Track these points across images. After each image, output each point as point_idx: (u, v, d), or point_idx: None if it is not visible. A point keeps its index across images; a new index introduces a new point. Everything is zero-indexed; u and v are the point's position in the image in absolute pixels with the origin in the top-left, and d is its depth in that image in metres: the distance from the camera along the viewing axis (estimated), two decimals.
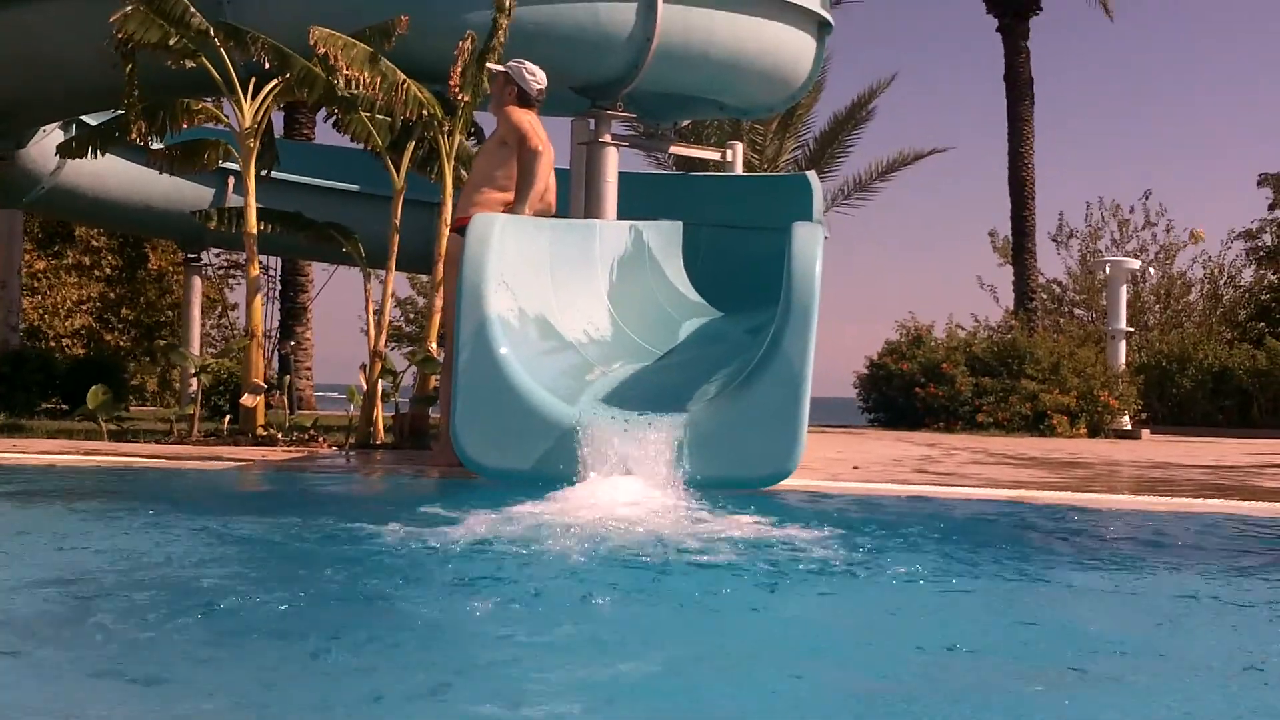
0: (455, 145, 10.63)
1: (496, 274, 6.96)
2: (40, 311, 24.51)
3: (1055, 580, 4.69)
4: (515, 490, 6.03)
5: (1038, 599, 4.46)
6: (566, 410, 6.62)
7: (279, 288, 23.77)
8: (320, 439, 10.32)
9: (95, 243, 25.06)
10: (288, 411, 12.41)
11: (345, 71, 9.98)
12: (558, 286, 8.06)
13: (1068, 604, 4.34)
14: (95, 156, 11.71)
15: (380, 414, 10.67)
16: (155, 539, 5.17)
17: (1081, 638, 3.73)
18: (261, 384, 10.60)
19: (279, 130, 24.70)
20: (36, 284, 24.63)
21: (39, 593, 4.02)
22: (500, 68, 8.49)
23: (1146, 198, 29.79)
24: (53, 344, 23.93)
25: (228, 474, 8.07)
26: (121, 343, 25.80)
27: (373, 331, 10.83)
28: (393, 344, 30.26)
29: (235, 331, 29.50)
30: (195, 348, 16.51)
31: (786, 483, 6.78)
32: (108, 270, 25.44)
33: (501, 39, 10.12)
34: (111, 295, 25.77)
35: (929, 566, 4.74)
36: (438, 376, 9.51)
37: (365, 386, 10.54)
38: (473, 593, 4.12)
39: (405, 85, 10.17)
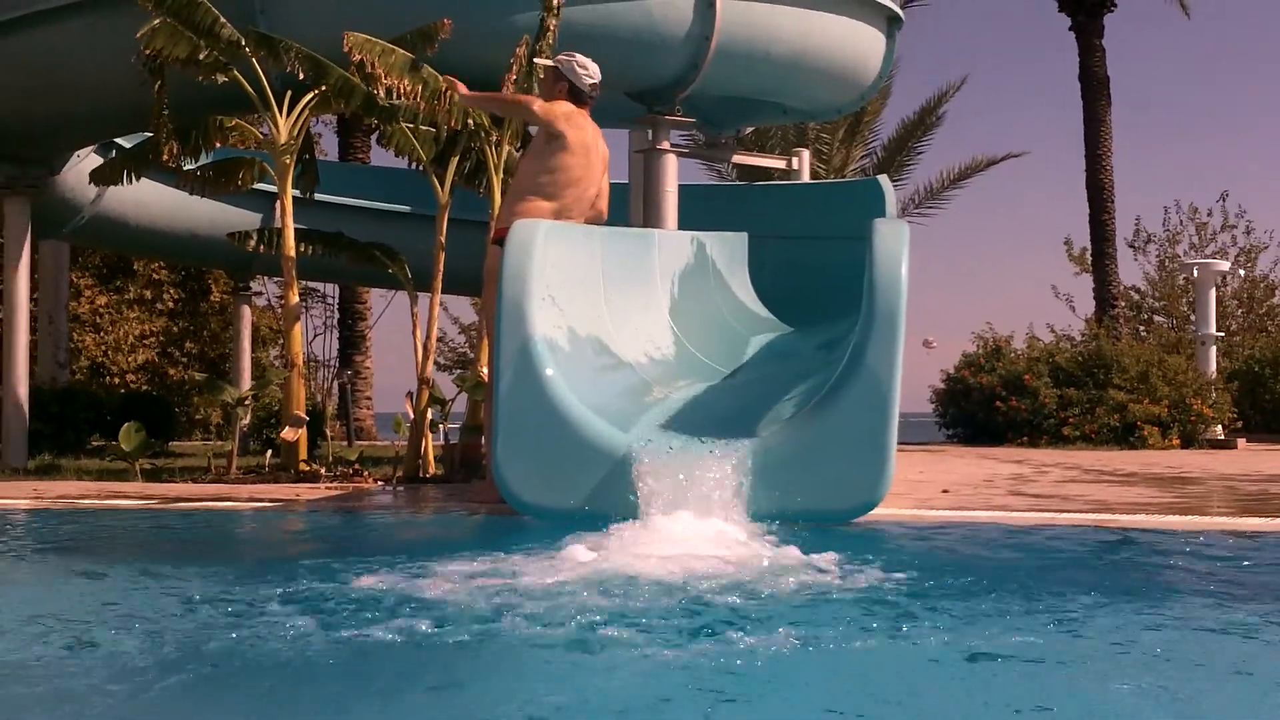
0: (504, 157, 9.97)
1: (540, 288, 6.23)
2: (103, 348, 24.04)
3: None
4: (563, 529, 5.29)
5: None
6: (620, 438, 5.88)
7: (337, 315, 23.21)
8: (366, 474, 9.63)
9: (157, 276, 24.58)
10: (347, 443, 11.78)
11: (384, 80, 9.36)
12: (611, 301, 7.32)
13: None
14: (129, 181, 11.16)
15: (430, 445, 10.00)
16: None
17: None
18: (303, 416, 9.95)
19: (333, 154, 24.25)
20: (99, 320, 24.17)
21: None
22: (549, 62, 7.83)
23: (1224, 200, 29.09)
24: (116, 380, 23.45)
25: (237, 517, 7.34)
26: (187, 376, 25.30)
27: (419, 357, 10.17)
28: (460, 370, 29.72)
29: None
30: (245, 381, 15.91)
31: (873, 513, 6.02)
32: (170, 304, 24.94)
33: (550, 40, 9.47)
34: (174, 329, 25.27)
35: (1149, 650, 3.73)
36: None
37: (412, 416, 9.87)
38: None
39: (448, 93, 9.52)
